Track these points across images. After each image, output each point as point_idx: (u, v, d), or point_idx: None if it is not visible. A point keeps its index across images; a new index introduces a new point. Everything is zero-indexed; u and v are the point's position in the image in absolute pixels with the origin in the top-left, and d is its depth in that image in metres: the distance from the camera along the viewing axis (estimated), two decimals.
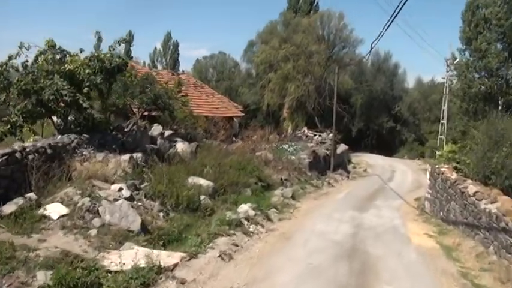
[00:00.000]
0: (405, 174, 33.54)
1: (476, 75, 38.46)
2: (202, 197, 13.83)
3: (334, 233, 12.92)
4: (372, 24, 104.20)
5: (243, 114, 36.18)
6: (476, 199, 12.07)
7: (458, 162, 16.61)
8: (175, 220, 11.83)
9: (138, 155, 14.43)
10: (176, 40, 73.98)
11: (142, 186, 13.12)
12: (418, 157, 49.76)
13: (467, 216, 12.72)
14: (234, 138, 31.53)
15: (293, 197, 18.99)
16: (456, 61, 36.61)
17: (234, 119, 38.67)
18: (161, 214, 11.96)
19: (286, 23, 48.39)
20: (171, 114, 22.30)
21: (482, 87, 37.05)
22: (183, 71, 52.39)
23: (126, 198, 11.27)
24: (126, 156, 14.04)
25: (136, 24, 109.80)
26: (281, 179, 22.46)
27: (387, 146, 53.83)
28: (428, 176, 18.59)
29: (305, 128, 32.76)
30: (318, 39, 48.42)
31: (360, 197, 21.40)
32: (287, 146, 29.04)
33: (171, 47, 78.14)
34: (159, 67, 69.23)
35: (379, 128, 53.92)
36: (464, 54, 38.55)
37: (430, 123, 57.24)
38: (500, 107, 37.62)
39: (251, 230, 12.07)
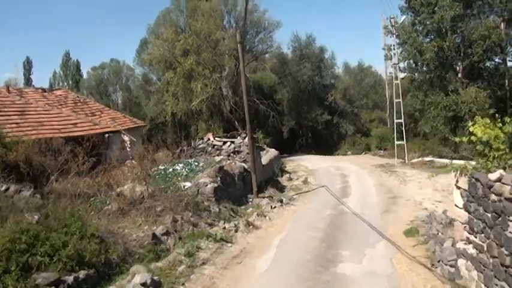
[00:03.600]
0: (361, 178, 23.07)
1: (427, 39, 29.07)
2: None
3: None
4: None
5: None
6: None
7: None
8: None
9: None
10: (77, 59, 60.77)
11: None
12: (364, 151, 40.00)
13: None
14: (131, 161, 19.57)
15: None
16: (402, 19, 26.72)
17: (126, 136, 27.06)
18: None
19: (182, 9, 36.96)
20: None
21: (437, 51, 27.52)
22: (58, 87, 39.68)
23: None
24: None
25: (35, 50, 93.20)
26: (153, 237, 11.06)
27: (326, 143, 43.76)
28: (461, 200, 7.64)
29: (210, 135, 21.18)
30: (224, 25, 37.47)
31: (306, 254, 10.22)
32: (181, 166, 17.53)
33: (71, 68, 64.74)
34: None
35: (313, 124, 43.56)
36: (408, 14, 29.01)
37: (369, 110, 48.05)
38: (459, 74, 28.37)
39: None
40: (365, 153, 39.01)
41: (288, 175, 25.16)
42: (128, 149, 26.54)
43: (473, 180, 6.86)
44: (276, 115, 36.53)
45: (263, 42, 38.95)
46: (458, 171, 7.35)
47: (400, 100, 25.41)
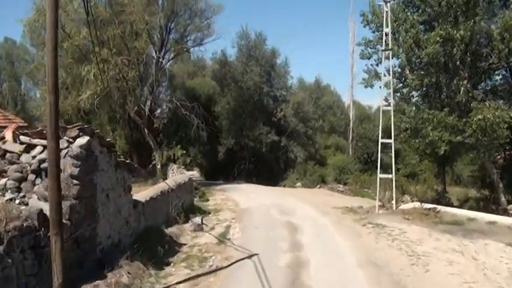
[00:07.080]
0: (326, 237, 12.30)
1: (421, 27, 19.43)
2: None
3: None
4: None
5: None
6: None
7: None
8: None
9: None
10: None
11: None
12: (319, 184, 29.52)
13: None
14: None
15: None
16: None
17: None
18: None
19: None
20: None
21: (442, 44, 17.73)
22: None
23: None
24: None
25: None
26: None
27: (270, 170, 33.05)
28: None
29: (8, 131, 9.67)
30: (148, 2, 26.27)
31: None
32: None
33: None
34: None
35: (256, 145, 32.68)
36: None
37: (325, 134, 38.11)
38: (466, 81, 18.56)
39: None
40: (319, 187, 28.62)
41: (198, 219, 13.99)
42: None
43: None
44: (203, 126, 25.51)
45: (198, 29, 28.19)
46: None
47: (391, 107, 15.00)
